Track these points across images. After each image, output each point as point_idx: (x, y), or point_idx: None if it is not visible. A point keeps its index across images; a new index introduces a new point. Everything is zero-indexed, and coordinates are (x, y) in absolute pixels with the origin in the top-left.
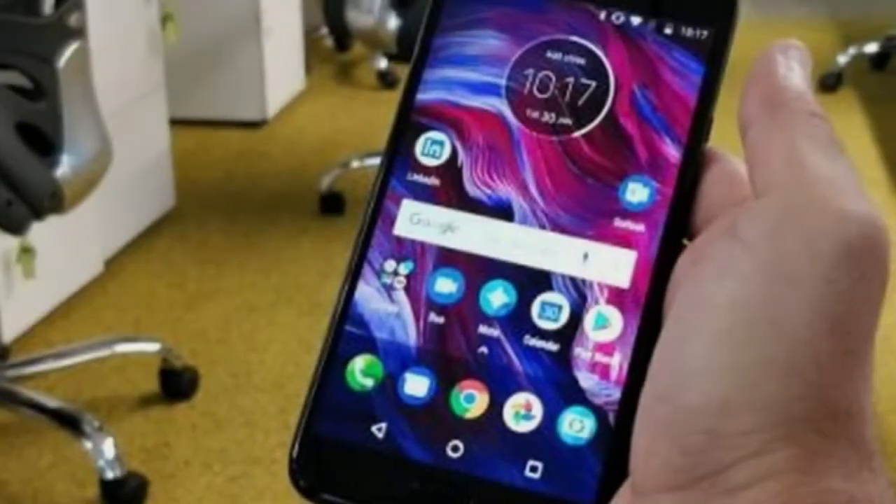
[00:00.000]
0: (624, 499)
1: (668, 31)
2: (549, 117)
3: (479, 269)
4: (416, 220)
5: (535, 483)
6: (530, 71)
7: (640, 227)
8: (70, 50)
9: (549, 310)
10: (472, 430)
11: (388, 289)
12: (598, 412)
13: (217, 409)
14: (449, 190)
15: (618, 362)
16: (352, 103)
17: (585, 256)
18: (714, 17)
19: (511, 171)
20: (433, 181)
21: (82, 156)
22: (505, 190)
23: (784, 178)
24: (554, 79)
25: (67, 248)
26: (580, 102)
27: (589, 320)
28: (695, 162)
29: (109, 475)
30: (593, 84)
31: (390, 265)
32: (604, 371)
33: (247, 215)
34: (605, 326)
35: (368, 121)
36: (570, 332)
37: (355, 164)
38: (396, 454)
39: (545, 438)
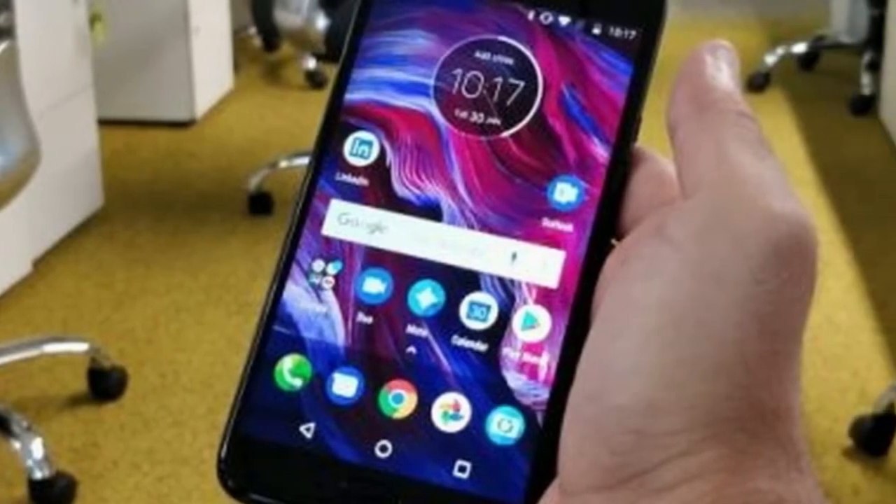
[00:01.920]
0: (552, 499)
1: (596, 31)
2: (477, 117)
3: (407, 270)
4: (345, 220)
5: (463, 483)
6: (459, 71)
7: (568, 227)
8: None
9: (478, 310)
10: (400, 430)
11: (317, 289)
12: (527, 412)
13: (145, 409)
14: (377, 190)
15: (546, 362)
16: (280, 103)
17: (514, 256)
18: (642, 18)
19: (439, 171)
20: (362, 181)
21: (10, 156)
22: (433, 190)
23: (712, 178)
24: (482, 79)
25: None
26: (508, 102)
27: (517, 320)
28: (623, 162)
29: (38, 475)
30: (522, 84)
31: (319, 265)
32: (532, 371)
33: (175, 215)
34: (534, 326)
35: (297, 121)
36: (498, 333)
37: (284, 164)
38: (325, 454)
39: (473, 438)
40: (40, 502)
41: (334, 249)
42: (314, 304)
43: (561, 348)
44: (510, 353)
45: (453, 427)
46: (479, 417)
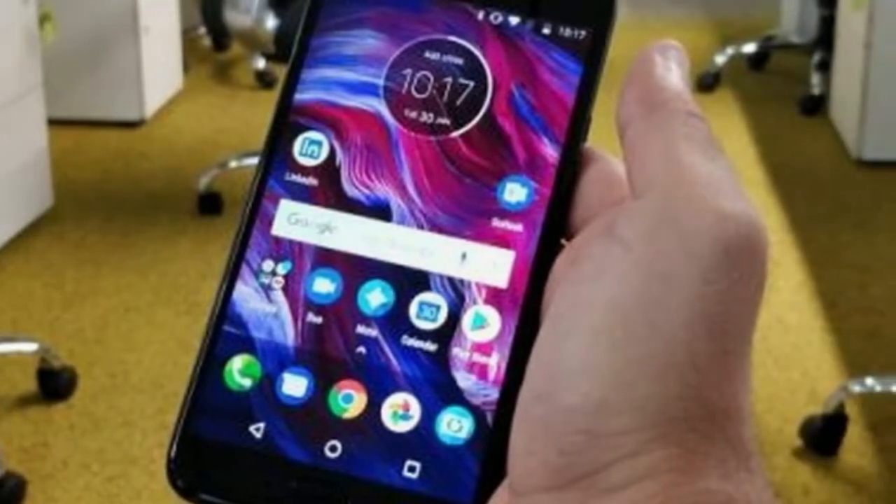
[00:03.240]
0: (501, 499)
1: (546, 31)
2: (427, 117)
3: (357, 270)
4: (294, 221)
5: (413, 483)
6: (408, 71)
7: (518, 227)
8: None
9: (427, 310)
10: (350, 430)
11: (266, 289)
12: (476, 412)
13: (95, 409)
14: (327, 190)
15: (496, 362)
16: (230, 103)
17: (463, 256)
18: (592, 18)
19: (389, 171)
20: (311, 181)
21: None
22: (383, 190)
23: (662, 178)
24: (432, 79)
25: None
26: (458, 102)
27: (467, 320)
28: (573, 162)
29: None
30: (471, 84)
31: (268, 265)
32: (482, 371)
33: (125, 215)
34: (483, 326)
35: (246, 121)
36: (448, 333)
37: (233, 164)
38: (274, 454)
39: (423, 438)
40: None
41: (284, 249)
42: (264, 304)
43: (510, 348)
44: (460, 353)
45: (403, 427)
46: (428, 417)
